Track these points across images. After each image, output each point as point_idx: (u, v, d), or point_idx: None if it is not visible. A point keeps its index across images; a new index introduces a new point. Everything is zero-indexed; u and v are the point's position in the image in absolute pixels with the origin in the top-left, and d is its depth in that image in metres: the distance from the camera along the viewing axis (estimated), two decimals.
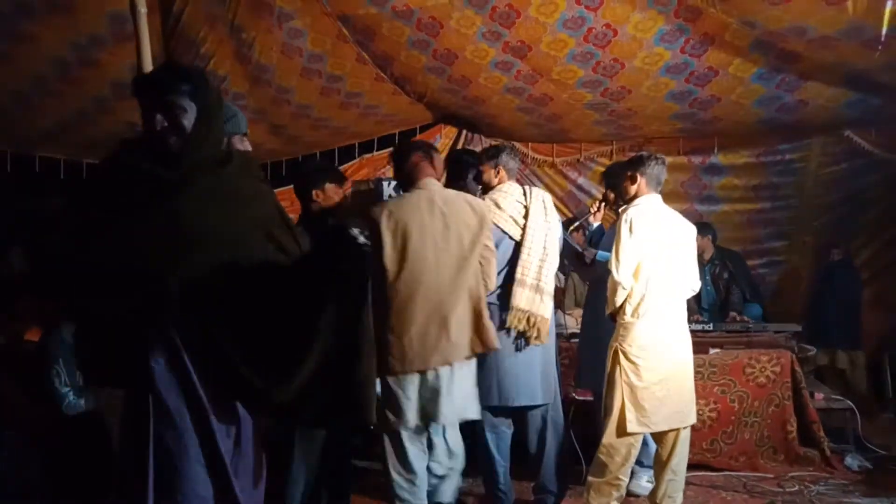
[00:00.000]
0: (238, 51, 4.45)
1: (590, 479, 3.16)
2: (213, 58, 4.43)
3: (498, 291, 3.15)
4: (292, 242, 1.94)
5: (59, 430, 3.07)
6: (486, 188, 3.27)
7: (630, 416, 3.03)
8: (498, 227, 3.15)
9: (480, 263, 2.95)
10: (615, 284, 3.05)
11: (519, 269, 3.16)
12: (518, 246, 3.18)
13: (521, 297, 3.13)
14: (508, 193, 3.23)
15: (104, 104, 4.69)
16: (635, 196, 3.22)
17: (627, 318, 3.08)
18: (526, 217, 3.20)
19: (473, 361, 2.96)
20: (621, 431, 3.06)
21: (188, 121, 1.81)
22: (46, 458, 2.99)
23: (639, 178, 3.20)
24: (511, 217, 3.20)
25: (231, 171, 1.92)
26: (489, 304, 3.04)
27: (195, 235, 1.81)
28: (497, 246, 3.08)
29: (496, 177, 3.25)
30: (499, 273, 3.12)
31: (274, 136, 5.46)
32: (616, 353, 3.09)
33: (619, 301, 3.07)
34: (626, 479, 3.20)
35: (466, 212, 2.92)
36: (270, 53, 4.48)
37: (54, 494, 2.96)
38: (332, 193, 3.03)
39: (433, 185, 2.96)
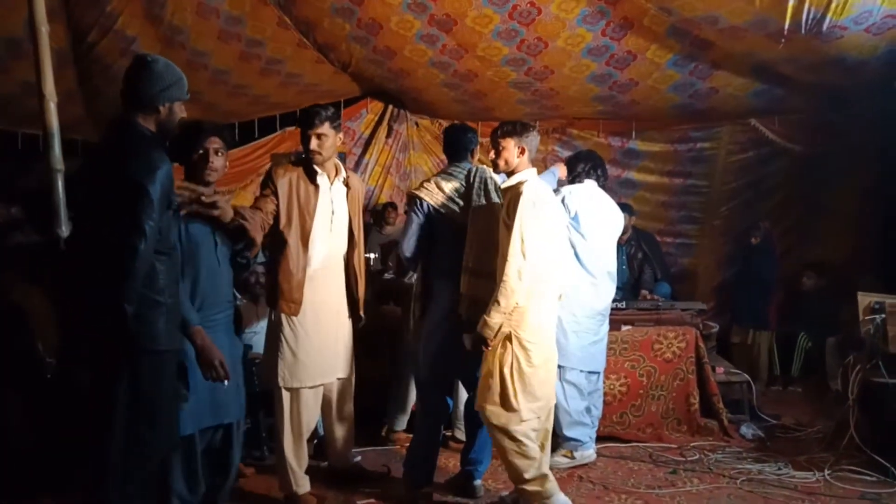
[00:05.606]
0: (148, 10, 4.19)
1: (523, 487, 2.84)
2: (121, 16, 4.16)
3: None
4: None
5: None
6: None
7: (519, 404, 2.80)
8: None
9: None
10: (521, 268, 2.75)
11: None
12: None
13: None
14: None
15: None
16: (515, 169, 2.96)
17: (521, 301, 2.78)
18: None
19: None
20: (517, 419, 2.82)
21: None
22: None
23: (526, 149, 2.95)
24: None
25: None
26: None
27: None
28: None
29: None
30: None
31: (188, 104, 5.16)
32: (507, 337, 2.82)
33: (523, 287, 2.76)
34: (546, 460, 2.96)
35: None
36: (184, 14, 4.24)
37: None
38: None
39: None
